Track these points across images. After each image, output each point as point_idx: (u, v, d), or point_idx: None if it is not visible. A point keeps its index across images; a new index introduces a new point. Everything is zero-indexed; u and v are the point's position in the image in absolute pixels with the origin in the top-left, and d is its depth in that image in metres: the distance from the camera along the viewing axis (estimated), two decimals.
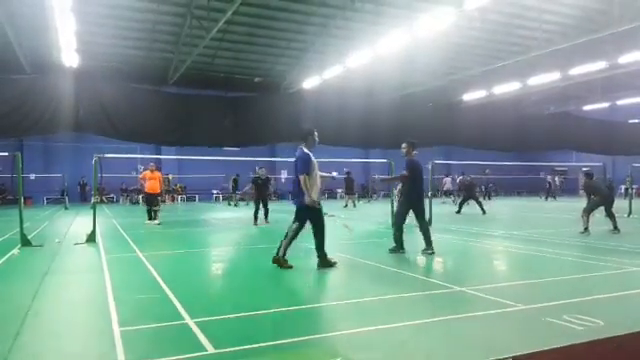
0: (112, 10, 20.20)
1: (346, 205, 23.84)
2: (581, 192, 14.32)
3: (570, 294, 5.41)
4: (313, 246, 7.17)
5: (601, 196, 11.64)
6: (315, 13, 21.54)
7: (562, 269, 7.17)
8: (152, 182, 14.75)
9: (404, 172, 8.30)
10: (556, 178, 32.72)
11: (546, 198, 31.31)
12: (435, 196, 24.92)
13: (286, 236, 7.12)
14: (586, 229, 11.20)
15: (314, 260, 7.94)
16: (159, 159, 27.86)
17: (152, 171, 14.94)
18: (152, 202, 14.87)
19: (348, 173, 25.18)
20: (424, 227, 8.35)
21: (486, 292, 5.44)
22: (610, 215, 11.62)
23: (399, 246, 8.37)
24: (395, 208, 9.96)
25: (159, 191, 15.10)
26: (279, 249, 7.09)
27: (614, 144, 30.75)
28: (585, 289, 5.83)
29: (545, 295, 5.36)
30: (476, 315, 4.63)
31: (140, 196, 28.38)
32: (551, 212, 19.93)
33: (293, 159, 7.30)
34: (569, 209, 19.83)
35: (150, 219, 14.70)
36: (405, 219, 8.47)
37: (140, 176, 15.64)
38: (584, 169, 12.77)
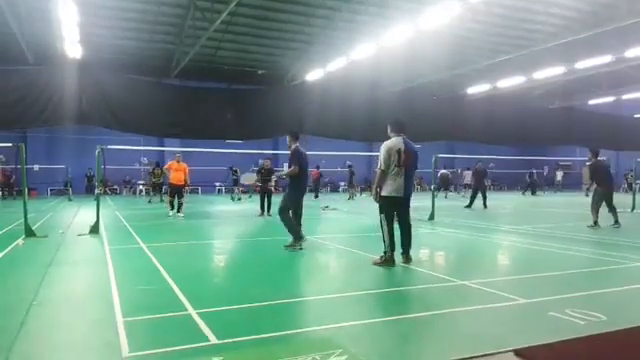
0: (115, 2, 20.16)
1: (349, 197, 24.06)
2: (584, 173, 13.69)
3: (573, 288, 5.40)
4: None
5: (605, 186, 11.46)
6: (321, 5, 21.43)
7: (564, 263, 7.16)
8: (178, 173, 14.61)
9: (295, 167, 8.13)
10: (533, 172, 32.81)
11: (532, 192, 31.51)
12: (438, 189, 24.95)
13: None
14: (595, 223, 11.16)
15: (320, 252, 7.97)
16: (162, 151, 27.91)
17: (178, 162, 14.80)
18: (177, 193, 14.68)
19: (350, 166, 25.41)
20: (297, 219, 8.28)
21: (488, 286, 5.45)
22: (612, 209, 11.54)
23: (298, 237, 8.09)
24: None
25: (184, 182, 14.96)
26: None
27: (619, 139, 30.57)
28: (587, 283, 5.83)
29: (548, 289, 5.36)
30: (479, 308, 4.64)
31: (144, 188, 28.49)
32: (552, 206, 19.90)
33: (407, 149, 6.73)
34: (571, 204, 19.81)
35: (172, 209, 14.54)
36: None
37: (166, 166, 15.46)
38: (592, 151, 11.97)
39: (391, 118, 7.10)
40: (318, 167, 27.77)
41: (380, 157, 6.74)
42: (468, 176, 27.69)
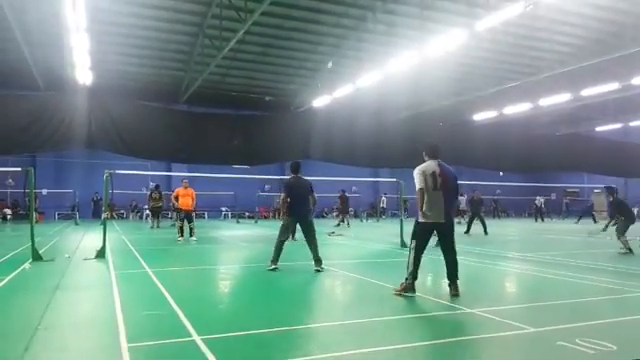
0: (126, 29, 20.58)
1: (338, 224, 23.36)
2: (604, 214, 14.47)
3: (582, 317, 5.33)
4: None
5: (628, 217, 11.83)
6: (329, 34, 21.75)
7: (573, 292, 7.06)
8: (185, 199, 14.72)
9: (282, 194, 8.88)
10: (540, 199, 32.56)
11: (535, 219, 31.41)
12: None
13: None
14: (629, 250, 11.42)
15: (328, 278, 7.91)
16: (169, 176, 28.04)
17: (185, 187, 14.93)
18: (186, 218, 14.76)
19: (343, 191, 25.10)
20: (309, 242, 8.65)
21: (496, 314, 5.37)
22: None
23: (273, 259, 8.57)
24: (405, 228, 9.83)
25: (192, 207, 15.03)
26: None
27: (627, 165, 30.46)
28: (597, 312, 5.74)
29: (557, 318, 5.27)
30: (487, 337, 4.57)
31: (150, 212, 28.49)
32: (558, 234, 19.71)
33: (443, 172, 6.43)
34: (578, 231, 19.60)
35: (182, 235, 14.59)
36: (288, 235, 8.96)
37: (174, 193, 15.55)
38: (608, 186, 12.71)
39: (424, 143, 6.75)
40: (344, 191, 25.45)
41: (415, 181, 6.39)
42: (462, 202, 27.35)
